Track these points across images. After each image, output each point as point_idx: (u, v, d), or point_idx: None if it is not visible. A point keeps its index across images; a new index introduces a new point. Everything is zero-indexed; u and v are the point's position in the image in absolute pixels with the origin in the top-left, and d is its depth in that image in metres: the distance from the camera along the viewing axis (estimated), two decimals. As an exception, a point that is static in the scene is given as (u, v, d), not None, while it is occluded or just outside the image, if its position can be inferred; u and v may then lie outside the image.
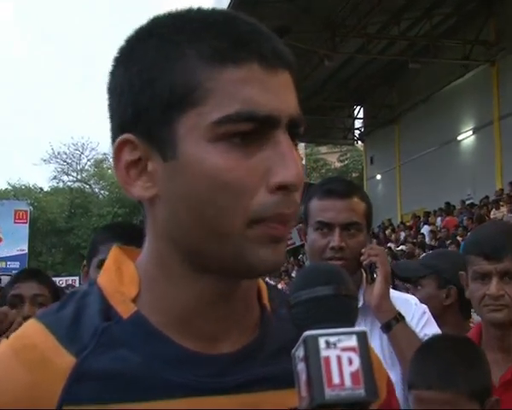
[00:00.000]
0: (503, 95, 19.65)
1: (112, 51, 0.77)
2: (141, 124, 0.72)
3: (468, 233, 13.75)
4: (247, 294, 0.80)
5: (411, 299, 2.03)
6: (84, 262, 2.12)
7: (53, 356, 0.73)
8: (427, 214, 21.02)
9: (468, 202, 19.24)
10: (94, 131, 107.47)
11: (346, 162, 42.53)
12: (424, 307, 1.99)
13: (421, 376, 1.52)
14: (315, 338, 0.65)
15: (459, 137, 22.38)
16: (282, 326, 0.81)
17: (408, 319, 1.85)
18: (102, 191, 44.74)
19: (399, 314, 1.82)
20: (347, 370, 0.64)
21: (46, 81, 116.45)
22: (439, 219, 19.71)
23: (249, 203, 0.69)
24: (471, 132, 21.80)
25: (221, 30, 0.70)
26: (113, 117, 0.76)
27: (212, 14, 0.73)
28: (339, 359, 0.64)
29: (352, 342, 0.65)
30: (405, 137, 25.75)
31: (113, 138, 0.75)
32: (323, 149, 42.65)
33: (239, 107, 0.68)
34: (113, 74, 0.77)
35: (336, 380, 0.63)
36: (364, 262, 1.86)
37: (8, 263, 29.72)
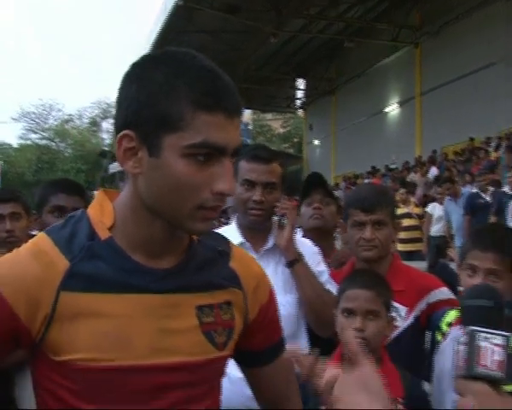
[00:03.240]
0: (424, 73, 20.21)
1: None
2: (140, 128, 0.96)
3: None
4: None
5: (307, 241, 2.30)
6: (34, 212, 2.23)
7: (56, 260, 0.98)
8: (357, 177, 21.58)
9: (392, 166, 19.80)
10: (61, 93, 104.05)
11: (289, 128, 42.71)
12: (316, 248, 2.27)
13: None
14: (476, 332, 0.96)
15: (386, 109, 22.97)
16: (203, 251, 1.11)
17: (306, 258, 2.14)
18: (67, 149, 43.74)
19: (300, 255, 2.13)
20: (494, 358, 0.94)
21: (11, 45, 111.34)
22: (366, 180, 20.27)
23: (198, 197, 0.96)
24: (397, 105, 22.40)
25: (206, 84, 0.95)
26: (120, 110, 0.99)
27: (203, 67, 0.97)
28: (489, 349, 0.94)
29: (499, 341, 0.95)
30: (341, 108, 26.21)
31: (118, 125, 0.99)
32: (269, 116, 42.53)
33: (203, 139, 0.94)
34: (127, 83, 0.99)
35: (485, 362, 0.94)
36: (278, 213, 2.15)
37: (-20, 212, 28.72)
